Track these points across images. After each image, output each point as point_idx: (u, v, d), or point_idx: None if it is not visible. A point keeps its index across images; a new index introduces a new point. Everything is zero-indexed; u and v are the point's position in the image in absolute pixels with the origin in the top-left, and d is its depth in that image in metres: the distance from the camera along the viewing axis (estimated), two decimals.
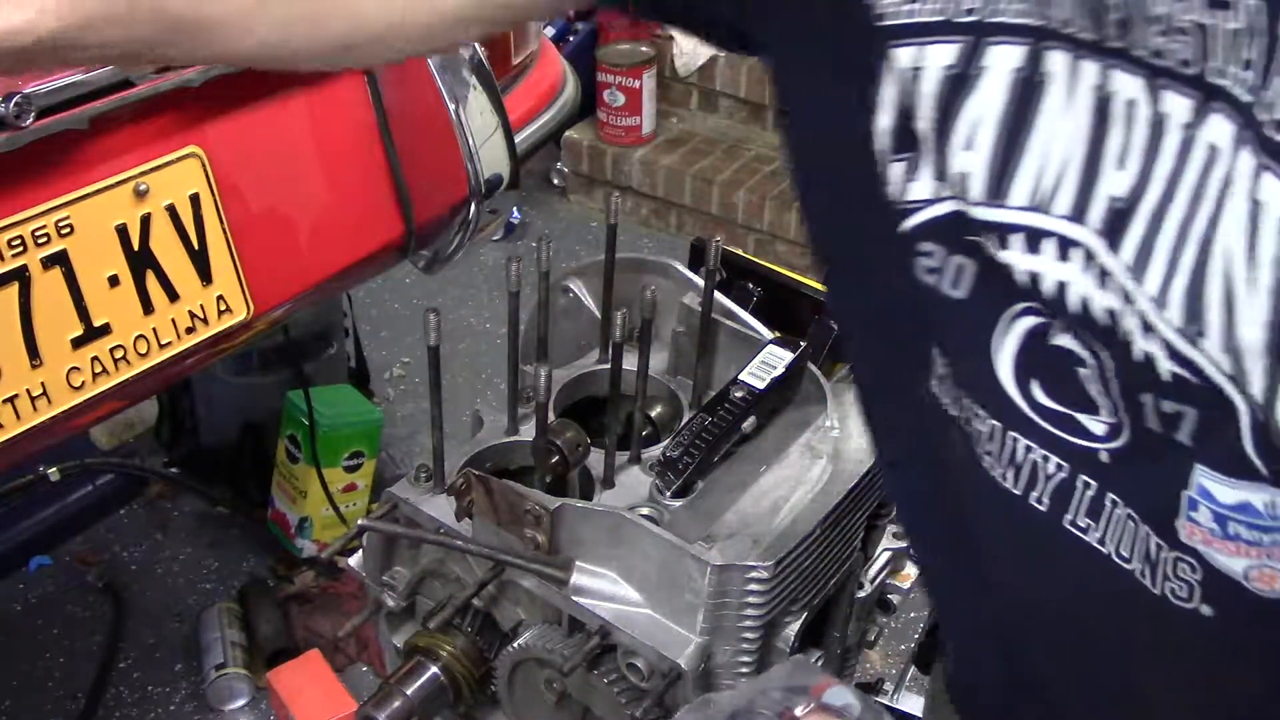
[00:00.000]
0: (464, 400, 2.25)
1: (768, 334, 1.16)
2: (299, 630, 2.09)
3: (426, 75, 1.38)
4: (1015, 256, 0.59)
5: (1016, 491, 0.65)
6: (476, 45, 1.42)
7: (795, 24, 0.70)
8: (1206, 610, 0.59)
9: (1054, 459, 0.63)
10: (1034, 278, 0.59)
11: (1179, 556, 0.59)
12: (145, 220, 1.16)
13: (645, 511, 1.02)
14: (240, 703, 2.01)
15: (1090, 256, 0.57)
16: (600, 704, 1.00)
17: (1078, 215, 0.57)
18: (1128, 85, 0.54)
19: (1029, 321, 0.62)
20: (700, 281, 1.17)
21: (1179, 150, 0.54)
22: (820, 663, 1.02)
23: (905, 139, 0.62)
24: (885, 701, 1.19)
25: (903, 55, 0.61)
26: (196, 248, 1.21)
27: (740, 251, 1.35)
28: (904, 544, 1.14)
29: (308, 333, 2.11)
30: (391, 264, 1.55)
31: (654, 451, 1.09)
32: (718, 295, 1.17)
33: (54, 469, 1.79)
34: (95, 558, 2.27)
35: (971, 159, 0.60)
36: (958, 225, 0.62)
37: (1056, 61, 0.56)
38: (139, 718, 2.01)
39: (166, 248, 1.18)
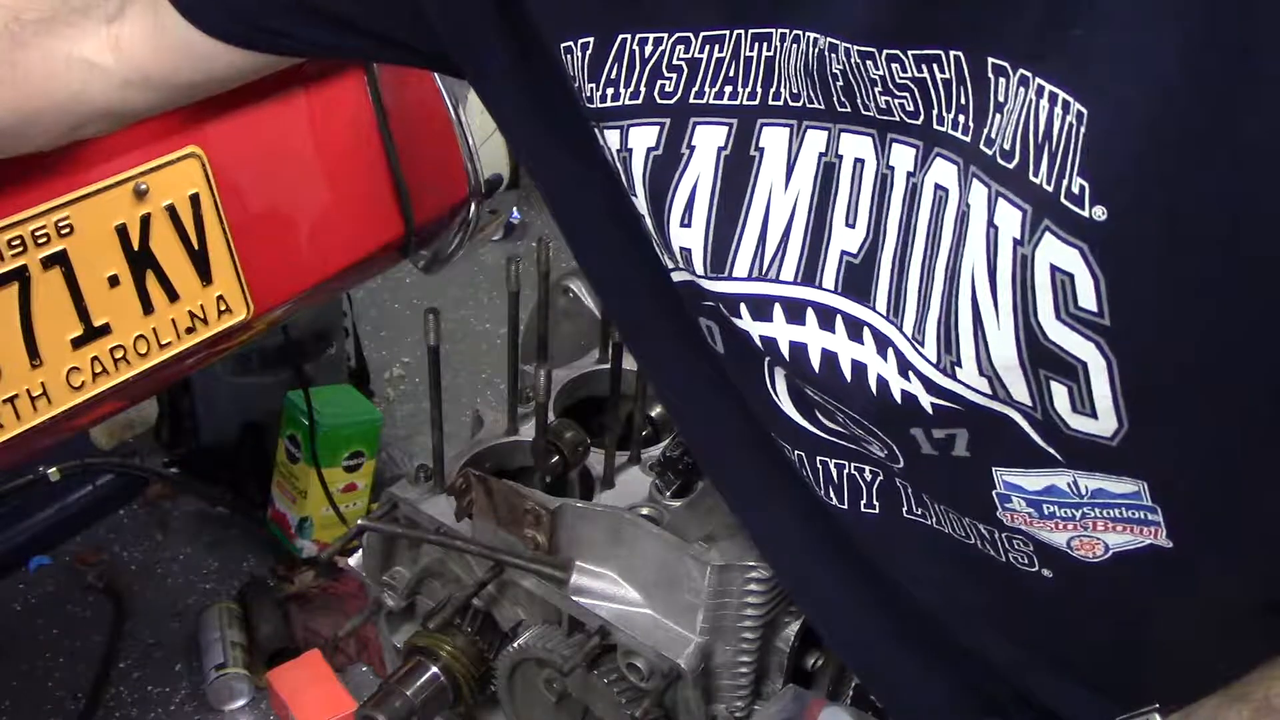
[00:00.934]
0: (464, 400, 2.25)
1: None
2: (299, 630, 2.09)
3: (427, 75, 1.38)
4: (747, 324, 0.63)
5: (843, 507, 0.70)
6: None
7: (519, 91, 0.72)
8: (1047, 573, 0.64)
9: (866, 468, 0.67)
10: (767, 343, 0.63)
11: (1009, 535, 0.64)
12: (145, 220, 1.16)
13: (645, 511, 1.02)
14: (240, 703, 2.01)
15: (829, 315, 0.60)
16: (600, 704, 1.00)
17: (809, 278, 0.60)
18: (857, 145, 0.58)
19: (781, 372, 0.66)
20: None
21: (906, 198, 0.57)
22: (821, 664, 1.02)
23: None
24: None
25: (611, 137, 0.63)
26: (196, 248, 1.21)
27: None
28: None
29: (308, 333, 2.11)
30: (391, 264, 1.55)
31: (654, 451, 1.09)
32: None
33: (54, 469, 1.79)
34: (95, 558, 2.27)
35: (690, 235, 0.62)
36: (693, 294, 0.65)
37: (771, 137, 0.59)
38: (139, 718, 2.01)
39: (166, 248, 1.18)
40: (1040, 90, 0.50)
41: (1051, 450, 0.58)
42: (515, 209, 3.23)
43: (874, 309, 0.59)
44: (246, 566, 2.27)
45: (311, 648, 2.02)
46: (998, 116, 0.52)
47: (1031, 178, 0.51)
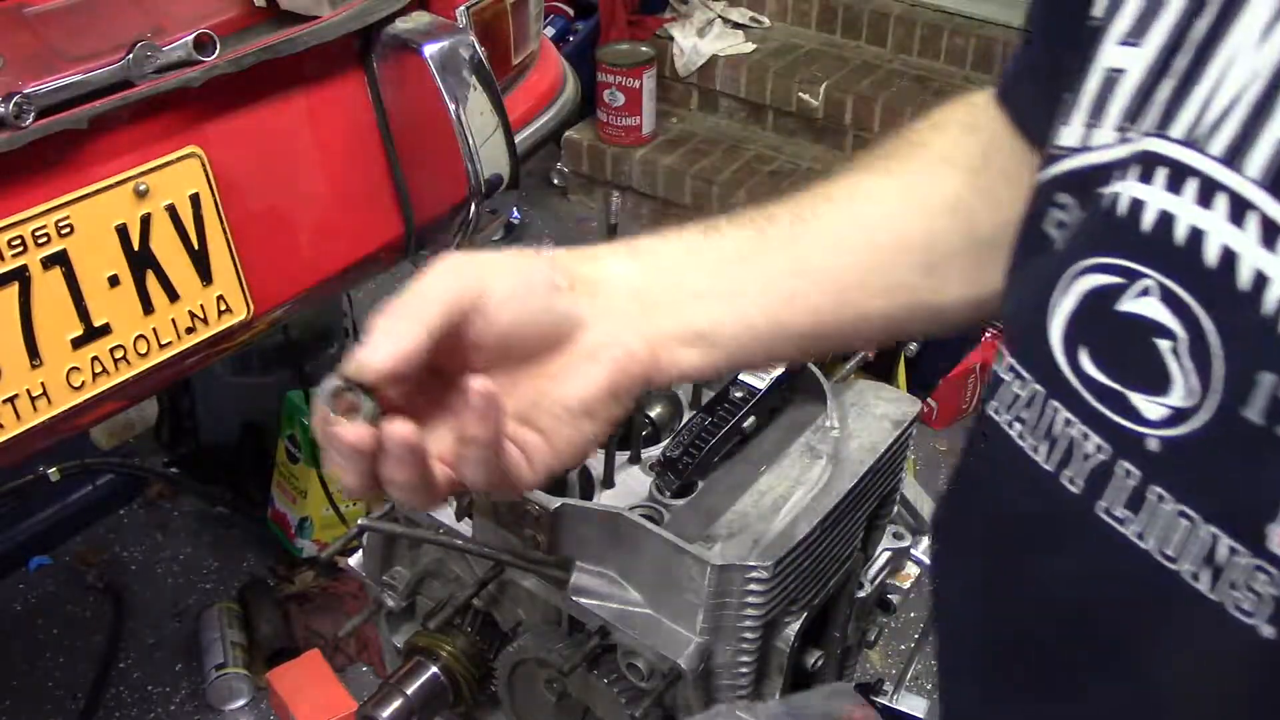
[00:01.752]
0: None
1: None
2: (299, 630, 2.09)
3: (427, 75, 1.38)
4: (1152, 193, 0.52)
5: (1048, 467, 0.58)
6: (476, 45, 1.42)
7: None
8: (1268, 631, 0.50)
9: (1094, 438, 0.55)
10: (1165, 220, 0.51)
11: (1259, 565, 0.50)
12: (145, 220, 1.16)
13: (645, 511, 1.02)
14: (240, 703, 2.01)
15: (1244, 207, 0.49)
16: (600, 704, 1.00)
17: (1231, 158, 0.49)
18: None
19: (1093, 281, 0.55)
20: None
21: None
22: (821, 663, 1.02)
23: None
24: (885, 702, 1.19)
25: None
26: (196, 248, 1.21)
27: None
28: (904, 544, 1.14)
29: (308, 333, 2.11)
30: (391, 264, 1.55)
31: (654, 451, 1.09)
32: None
33: (54, 469, 1.79)
34: (95, 558, 2.27)
35: (1133, 56, 0.55)
36: (1098, 176, 0.56)
37: None
38: (139, 718, 2.01)
39: (166, 248, 1.18)
40: None
41: None
42: (515, 209, 3.23)
43: None
44: (246, 566, 2.26)
45: (311, 648, 2.02)
46: None
47: None
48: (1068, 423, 0.56)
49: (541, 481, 0.66)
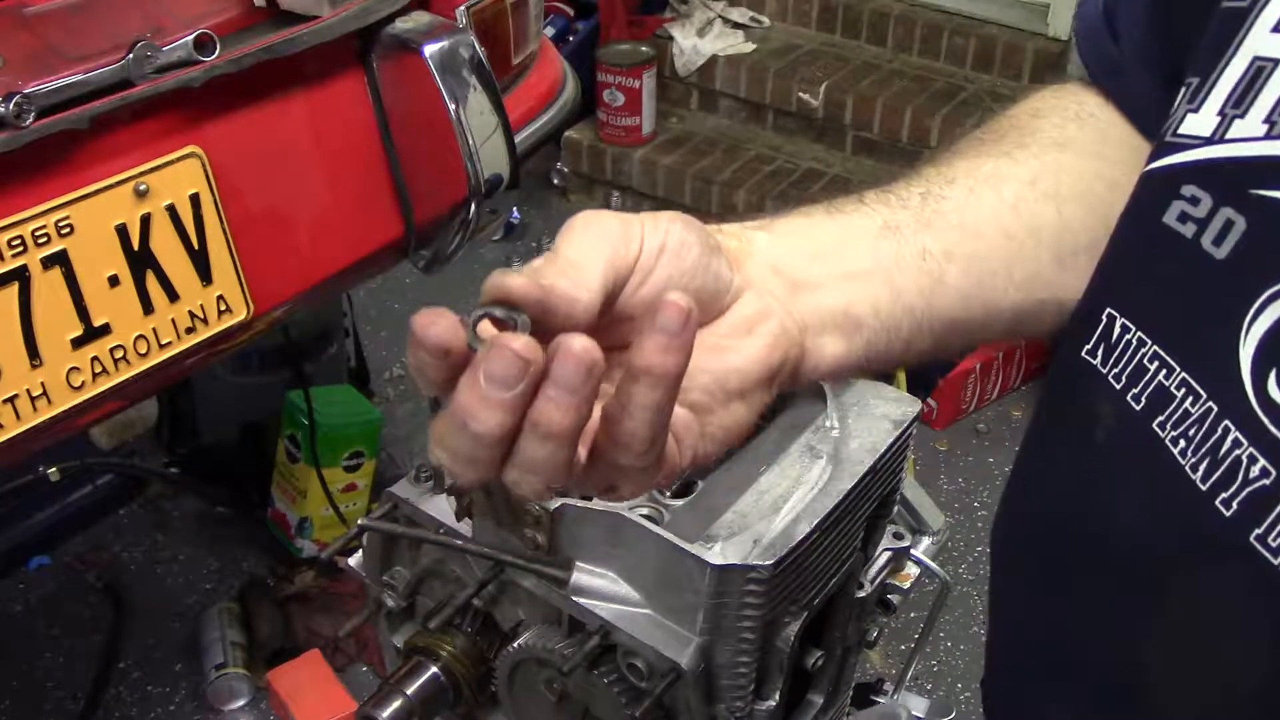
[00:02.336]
0: None
1: None
2: (299, 630, 2.09)
3: (426, 75, 1.38)
4: None
5: (1202, 487, 0.53)
6: (476, 45, 1.42)
7: None
8: None
9: (1262, 461, 0.52)
10: None
11: None
12: (145, 220, 1.16)
13: (645, 511, 1.02)
14: (240, 703, 2.01)
15: None
16: (600, 704, 1.00)
17: None
18: None
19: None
20: None
21: None
22: (821, 664, 1.02)
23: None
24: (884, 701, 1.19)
25: None
26: (196, 248, 1.21)
27: None
28: (904, 544, 1.14)
29: (308, 333, 2.11)
30: (391, 264, 1.55)
31: None
32: None
33: (54, 469, 1.79)
34: (95, 558, 2.27)
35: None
36: (1245, 173, 0.52)
37: None
38: (139, 718, 2.01)
39: (166, 248, 1.18)
40: None
41: None
42: (515, 209, 3.24)
43: None
44: (246, 566, 2.27)
45: (311, 648, 2.02)
46: None
47: None
48: (1237, 443, 0.53)
49: (682, 474, 0.58)
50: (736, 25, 3.53)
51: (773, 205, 3.21)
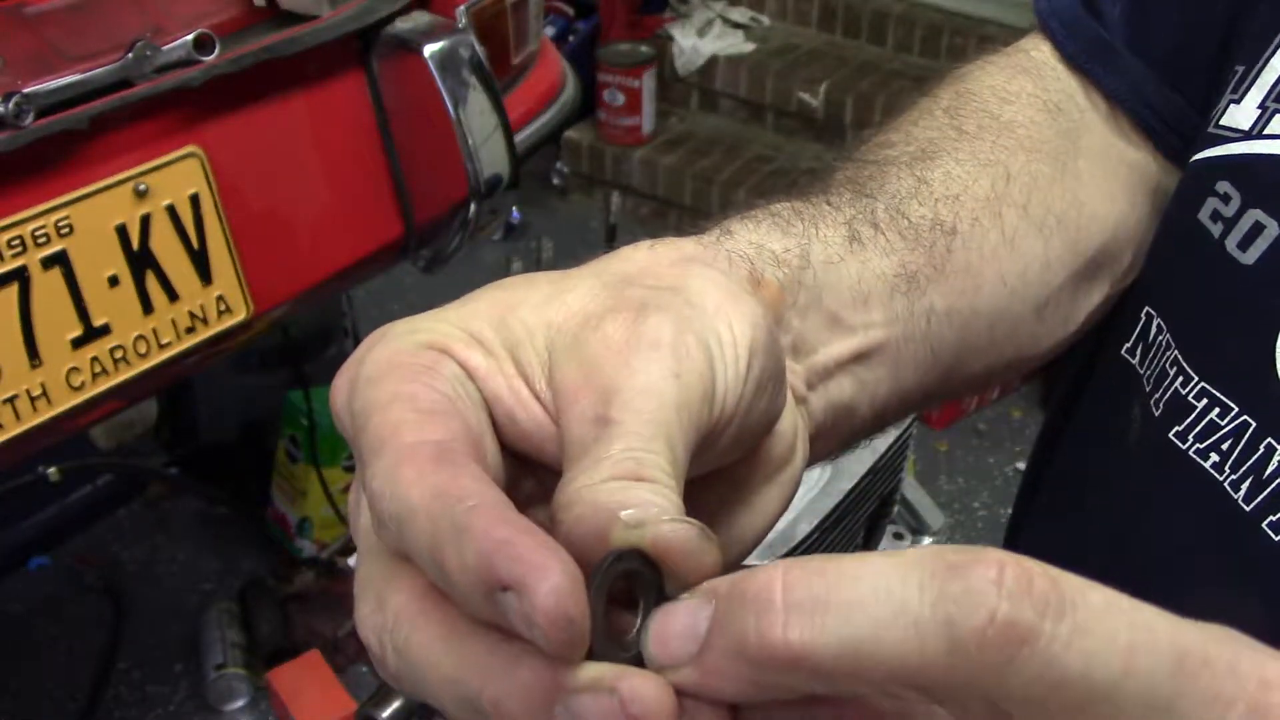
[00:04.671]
0: None
1: None
2: (299, 630, 2.09)
3: (426, 75, 1.38)
4: None
5: (1246, 508, 0.49)
6: (476, 45, 1.42)
7: None
8: None
9: None
10: None
11: None
12: (145, 220, 1.16)
13: None
14: (240, 703, 2.01)
15: None
16: None
17: None
18: None
19: None
20: None
21: None
22: None
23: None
24: None
25: None
26: (196, 248, 1.21)
27: None
28: (904, 544, 1.14)
29: (308, 333, 2.11)
30: (391, 264, 1.55)
31: None
32: None
33: (54, 469, 1.79)
34: (95, 558, 2.27)
35: None
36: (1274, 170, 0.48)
37: None
38: (139, 718, 2.01)
39: (166, 248, 1.18)
40: None
41: None
42: (515, 209, 3.23)
43: None
44: (246, 566, 2.26)
45: (311, 648, 2.02)
46: None
47: None
48: None
49: None
50: (736, 25, 3.54)
51: None
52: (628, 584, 0.29)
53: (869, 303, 0.49)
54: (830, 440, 0.49)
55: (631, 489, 0.30)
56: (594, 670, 0.28)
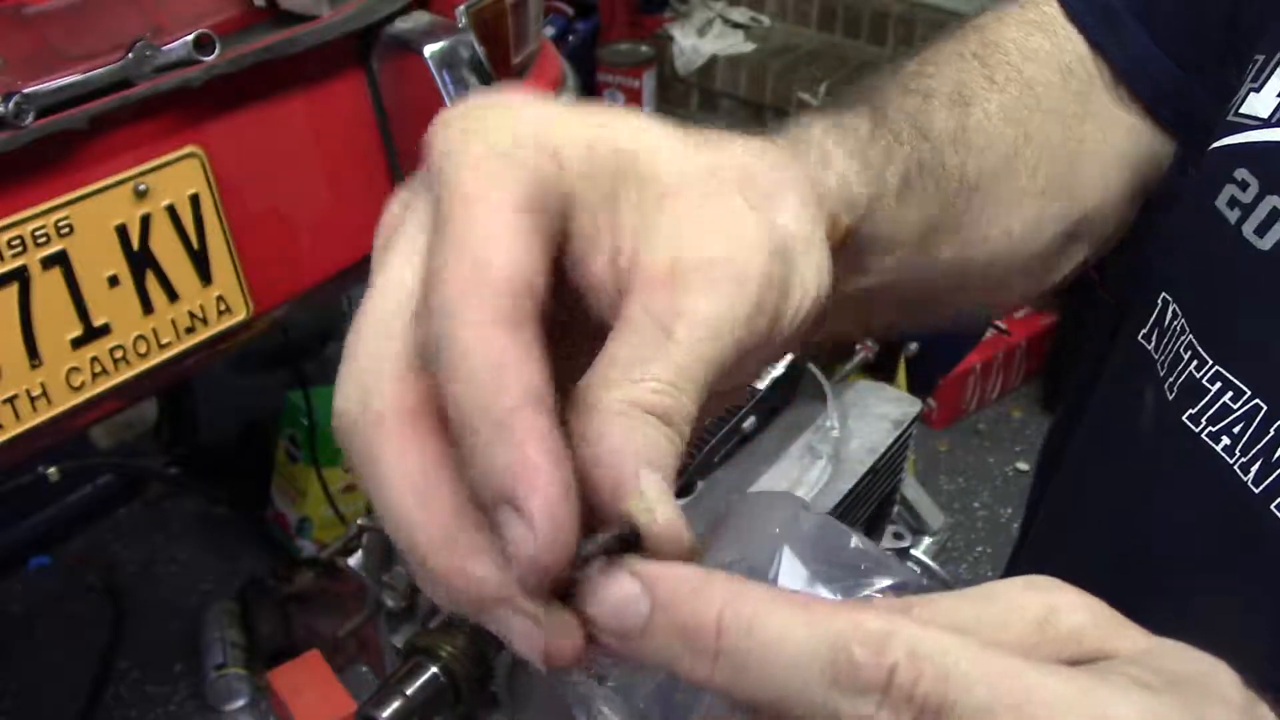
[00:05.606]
0: None
1: None
2: (299, 630, 2.09)
3: (426, 75, 1.38)
4: None
5: (1256, 490, 0.50)
6: (476, 45, 1.42)
7: None
8: None
9: None
10: None
11: None
12: (145, 220, 1.16)
13: None
14: (240, 703, 2.01)
15: None
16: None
17: None
18: None
19: None
20: None
21: None
22: None
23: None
24: None
25: None
26: (196, 248, 1.21)
27: None
28: (905, 544, 1.14)
29: (308, 333, 2.11)
30: None
31: None
32: None
33: (54, 469, 1.79)
34: (95, 558, 2.27)
35: None
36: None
37: None
38: (139, 718, 2.01)
39: (166, 248, 1.18)
40: None
41: None
42: None
43: None
44: (246, 566, 2.26)
45: (311, 648, 2.02)
46: None
47: None
48: None
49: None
50: (736, 25, 3.54)
51: None
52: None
53: (892, 253, 0.52)
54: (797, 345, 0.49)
55: (659, 443, 0.32)
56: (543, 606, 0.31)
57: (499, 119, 0.35)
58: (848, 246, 0.47)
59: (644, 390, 0.32)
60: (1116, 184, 0.63)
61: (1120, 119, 0.63)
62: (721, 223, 0.36)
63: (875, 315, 0.57)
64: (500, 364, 0.30)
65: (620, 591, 0.30)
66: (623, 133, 0.36)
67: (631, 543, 0.31)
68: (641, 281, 0.34)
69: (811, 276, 0.38)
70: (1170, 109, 0.62)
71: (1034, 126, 0.59)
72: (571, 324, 0.37)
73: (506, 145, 0.34)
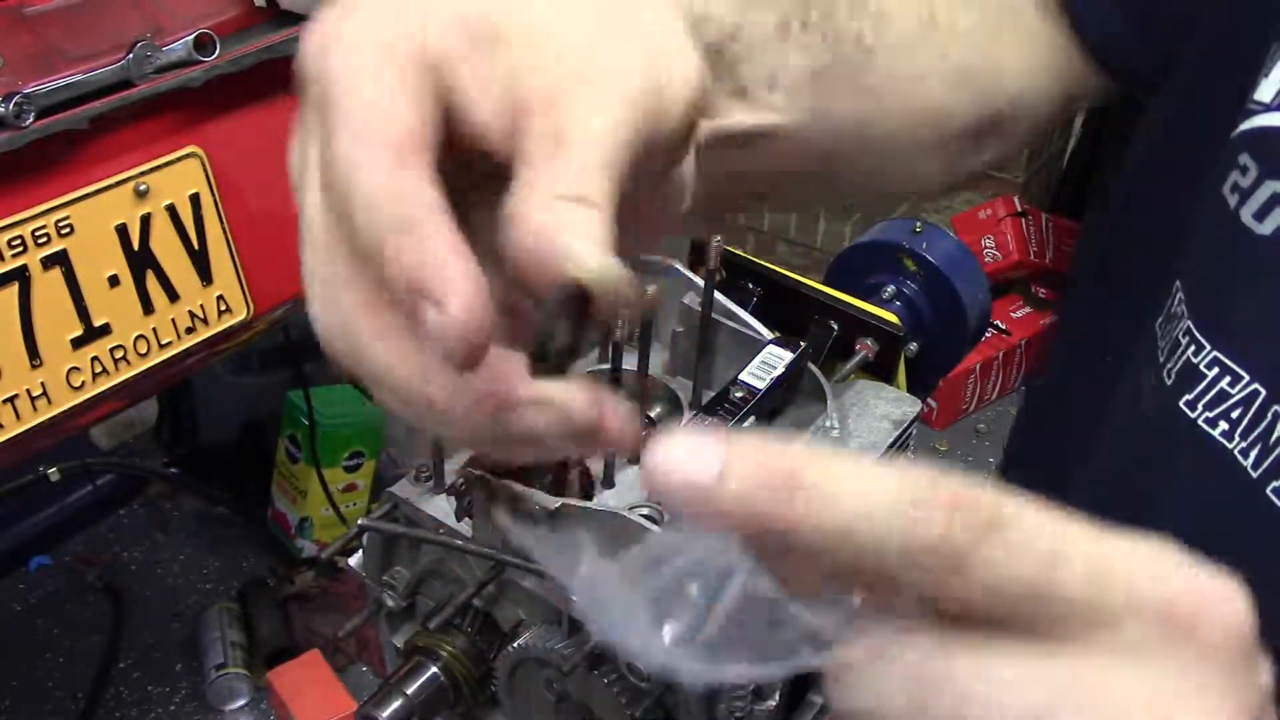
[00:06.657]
0: None
1: (768, 334, 1.15)
2: (299, 630, 2.09)
3: None
4: None
5: (1254, 474, 0.50)
6: None
7: None
8: None
9: None
10: None
11: None
12: (145, 220, 1.16)
13: (645, 511, 1.02)
14: (240, 703, 2.01)
15: None
16: (600, 704, 1.00)
17: None
18: None
19: None
20: (700, 281, 1.17)
21: None
22: None
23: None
24: None
25: None
26: (196, 248, 1.21)
27: (740, 251, 1.35)
28: None
29: (308, 333, 2.11)
30: None
31: None
32: (718, 295, 1.17)
33: (54, 469, 1.79)
34: (95, 558, 2.27)
35: None
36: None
37: None
38: (139, 718, 2.01)
39: (167, 248, 1.18)
40: None
41: None
42: None
43: None
44: (246, 566, 2.27)
45: (311, 648, 2.02)
46: None
47: None
48: None
49: None
50: None
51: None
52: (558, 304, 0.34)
53: (776, 88, 0.52)
54: (713, 204, 0.53)
55: (580, 218, 0.34)
56: (544, 389, 0.36)
57: (357, 15, 0.37)
58: (731, 73, 0.50)
59: (558, 191, 0.34)
60: (1036, 91, 0.63)
61: (1045, 32, 0.63)
62: (590, 34, 0.38)
63: (782, 175, 0.57)
64: (400, 192, 0.33)
65: (693, 439, 0.31)
66: None
67: (582, 301, 0.34)
68: (526, 110, 0.36)
69: (682, 64, 0.40)
70: (1101, 36, 0.62)
71: (942, 11, 0.59)
72: (473, 192, 0.39)
73: (371, 29, 0.36)
